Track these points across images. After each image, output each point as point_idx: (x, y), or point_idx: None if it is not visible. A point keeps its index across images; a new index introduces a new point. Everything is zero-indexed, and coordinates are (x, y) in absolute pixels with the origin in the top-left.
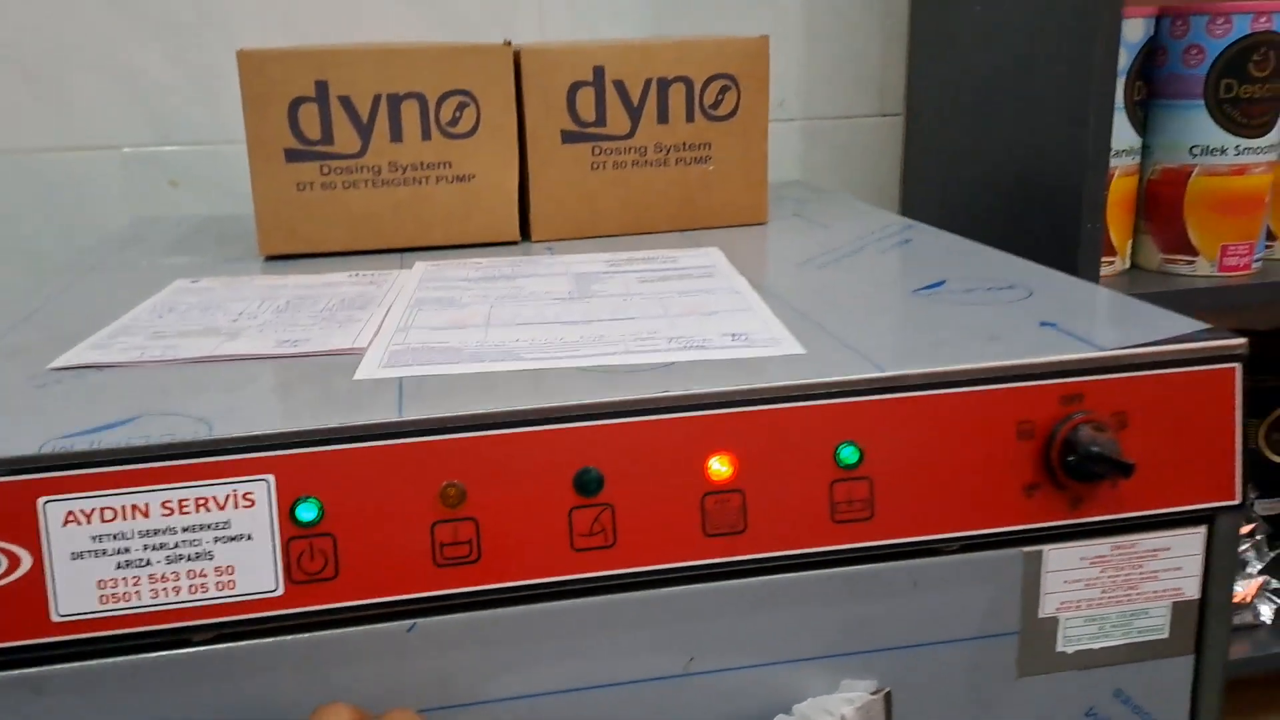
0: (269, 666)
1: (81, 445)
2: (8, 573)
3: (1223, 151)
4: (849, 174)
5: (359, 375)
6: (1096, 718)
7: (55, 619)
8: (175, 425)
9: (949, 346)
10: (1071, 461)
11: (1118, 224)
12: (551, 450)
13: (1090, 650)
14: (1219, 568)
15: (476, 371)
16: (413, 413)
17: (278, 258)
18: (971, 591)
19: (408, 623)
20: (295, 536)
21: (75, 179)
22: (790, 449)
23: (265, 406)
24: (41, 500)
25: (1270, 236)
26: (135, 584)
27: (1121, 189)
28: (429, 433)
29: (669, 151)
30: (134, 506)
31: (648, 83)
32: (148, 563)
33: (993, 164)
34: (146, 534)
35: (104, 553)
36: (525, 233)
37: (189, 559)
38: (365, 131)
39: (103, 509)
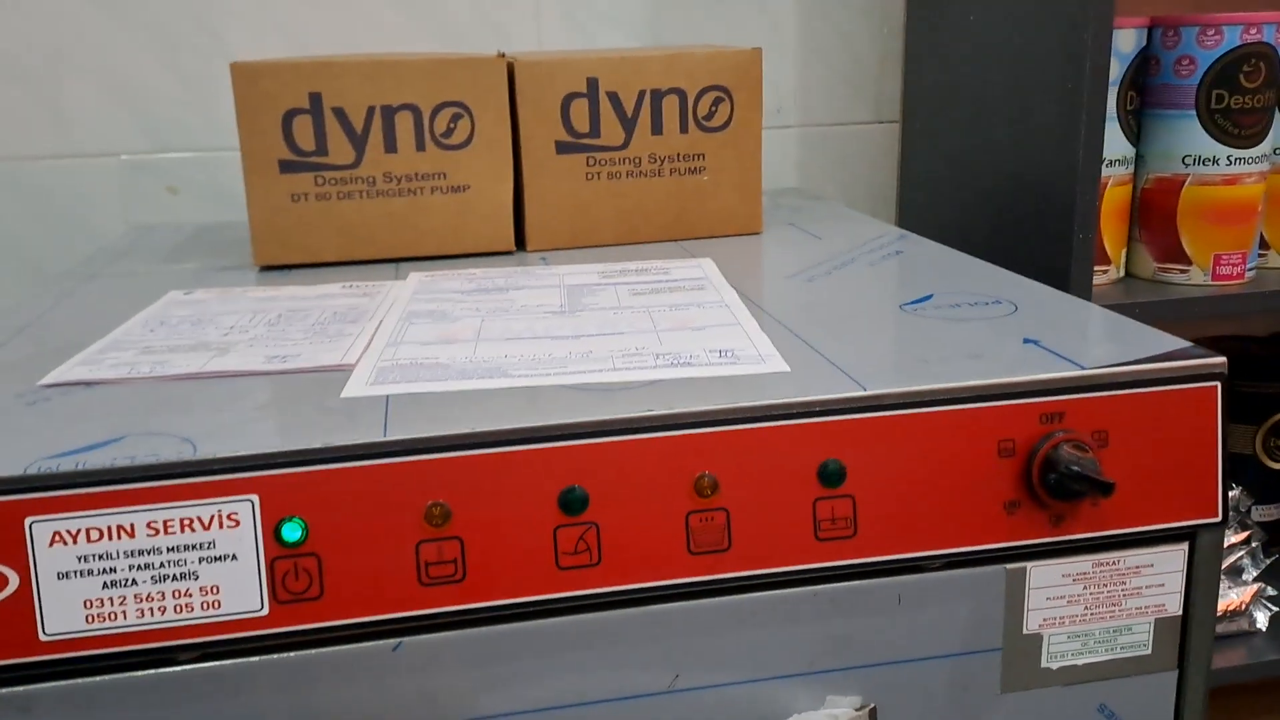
0: (254, 686)
1: (67, 466)
2: None
3: (1215, 161)
4: (846, 180)
5: (346, 393)
6: None
7: (42, 638)
8: (160, 445)
9: (932, 364)
10: (1052, 480)
11: (1112, 233)
12: (536, 469)
13: (1074, 666)
14: (1201, 584)
15: (464, 389)
16: (397, 432)
17: (273, 268)
18: (955, 608)
19: (393, 642)
20: (280, 556)
21: (73, 186)
22: (774, 467)
23: (251, 426)
24: (29, 520)
25: (1264, 246)
26: (121, 604)
27: (1115, 198)
28: (413, 452)
29: (663, 162)
30: (120, 527)
31: (641, 94)
32: (134, 582)
33: (987, 172)
34: (132, 554)
35: (90, 572)
36: (520, 243)
37: (174, 579)
38: (359, 142)
39: (89, 529)
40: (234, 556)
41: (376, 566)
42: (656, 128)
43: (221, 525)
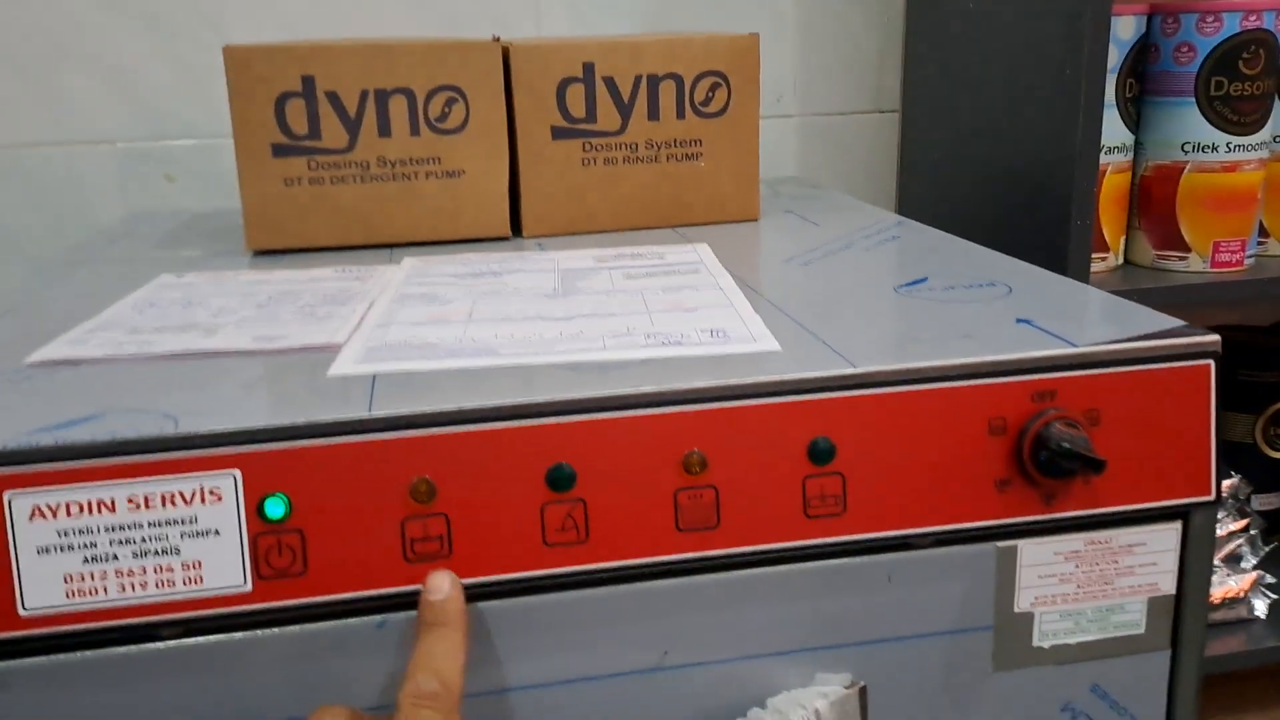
0: (237, 663)
1: (47, 440)
2: None
3: (1214, 149)
4: (846, 170)
5: (333, 371)
6: (1073, 712)
7: (22, 614)
8: (141, 421)
9: (923, 343)
10: (1043, 458)
11: (1111, 220)
12: (524, 446)
13: (1066, 645)
14: (1195, 563)
15: (452, 368)
16: (383, 408)
17: (266, 253)
18: (946, 586)
19: (377, 619)
20: (263, 532)
21: (70, 174)
22: (763, 445)
23: (234, 402)
24: (8, 494)
25: (1263, 234)
26: (102, 579)
27: (1114, 186)
28: (399, 428)
29: (660, 148)
30: (100, 501)
31: (638, 79)
32: (114, 558)
33: (987, 160)
34: (113, 529)
35: (71, 547)
36: (516, 229)
37: (156, 554)
38: (353, 127)
39: (69, 504)
40: (216, 532)
41: (361, 543)
42: (653, 113)
43: (203, 500)
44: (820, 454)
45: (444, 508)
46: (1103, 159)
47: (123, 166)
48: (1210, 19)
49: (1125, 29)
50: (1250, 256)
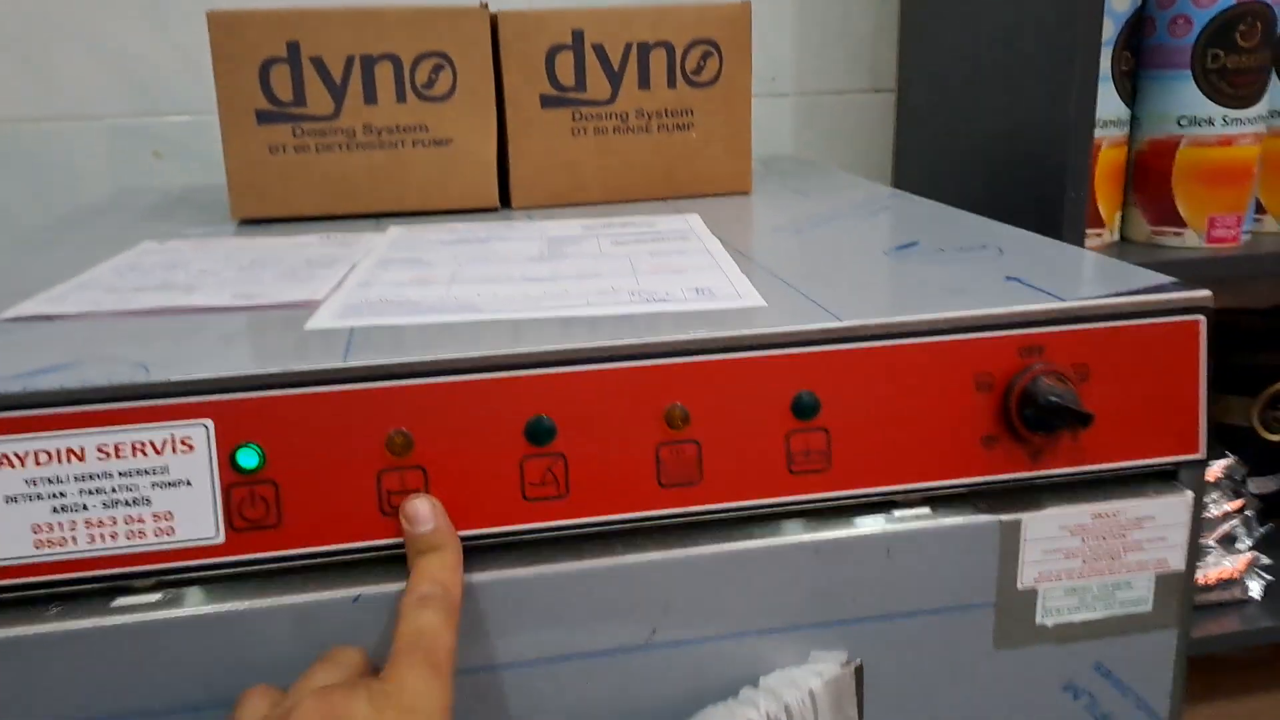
0: (209, 617)
1: (15, 388)
2: None
3: (1210, 122)
4: (842, 149)
5: (310, 325)
6: (1075, 691)
7: None
8: (113, 371)
9: (910, 298)
10: (1029, 414)
11: (1106, 195)
12: (502, 399)
13: (1070, 623)
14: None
15: (432, 322)
16: (359, 359)
17: (251, 222)
18: (947, 562)
19: (353, 593)
20: (236, 483)
21: (59, 150)
22: (746, 399)
23: (208, 352)
24: None
25: (1259, 209)
26: (72, 529)
27: (1110, 160)
28: (374, 379)
29: (651, 118)
30: (69, 450)
31: (628, 47)
32: (84, 507)
33: (982, 137)
34: (82, 478)
35: (39, 496)
36: (505, 201)
37: (126, 504)
38: (338, 93)
39: (37, 452)
40: (188, 482)
41: (336, 495)
42: (644, 82)
43: (175, 450)
44: (804, 409)
45: (421, 460)
46: (1098, 133)
47: (112, 142)
48: None
49: (1120, 1)
50: (1246, 232)
